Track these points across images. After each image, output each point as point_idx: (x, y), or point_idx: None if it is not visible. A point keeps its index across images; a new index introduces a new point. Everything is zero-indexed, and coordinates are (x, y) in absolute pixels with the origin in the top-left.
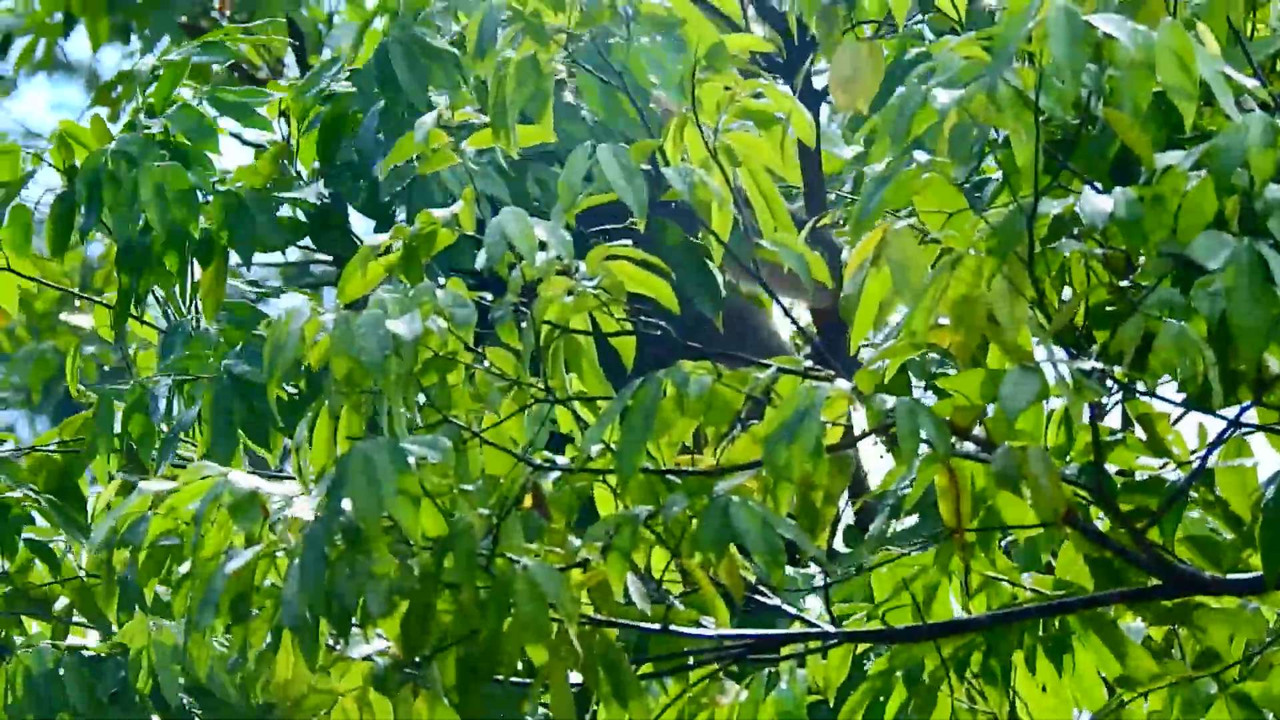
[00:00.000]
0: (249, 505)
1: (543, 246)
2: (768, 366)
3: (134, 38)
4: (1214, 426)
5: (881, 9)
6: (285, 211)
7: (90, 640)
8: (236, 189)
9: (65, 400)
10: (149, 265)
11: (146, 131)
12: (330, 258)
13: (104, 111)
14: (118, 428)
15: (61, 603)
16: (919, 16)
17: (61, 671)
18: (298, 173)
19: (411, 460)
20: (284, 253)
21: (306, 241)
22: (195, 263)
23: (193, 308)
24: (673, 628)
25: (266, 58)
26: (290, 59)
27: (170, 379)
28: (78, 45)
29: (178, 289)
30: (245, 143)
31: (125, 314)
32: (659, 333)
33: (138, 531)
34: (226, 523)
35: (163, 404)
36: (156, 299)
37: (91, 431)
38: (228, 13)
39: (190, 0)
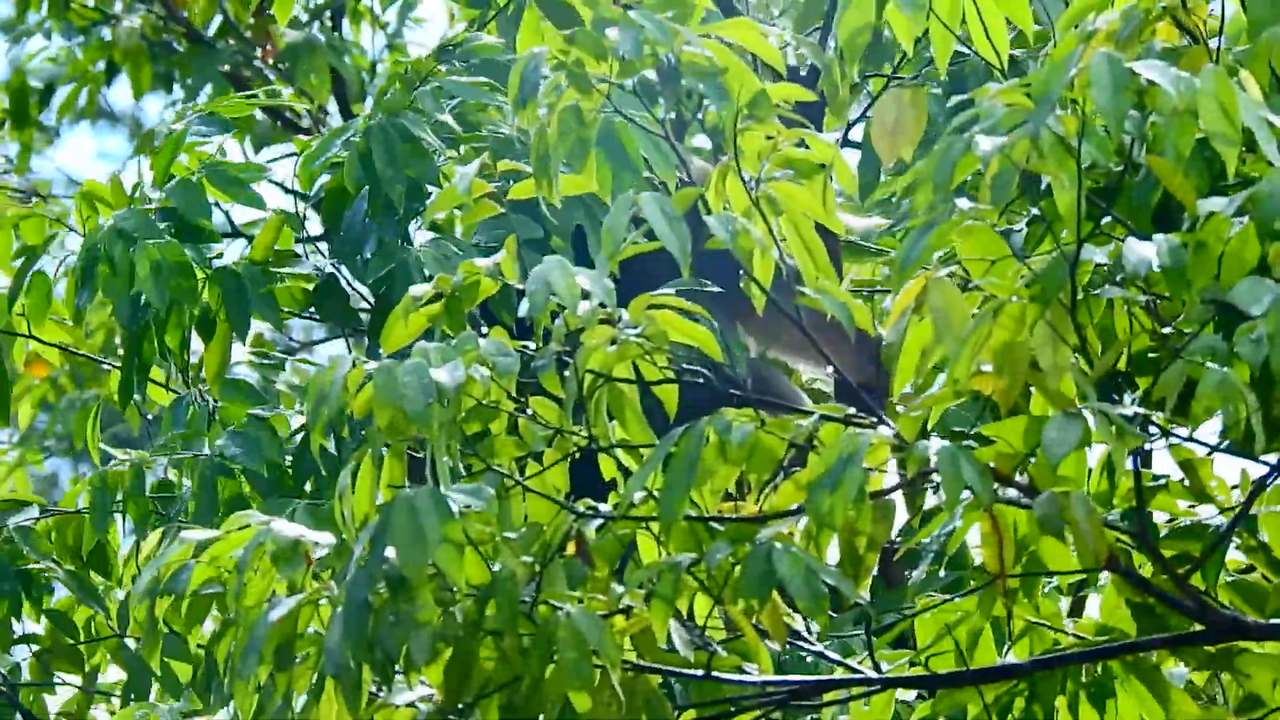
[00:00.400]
0: (292, 553)
1: (586, 295)
2: (810, 414)
3: (176, 86)
4: (1256, 471)
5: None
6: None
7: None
8: (233, 265)
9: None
10: (149, 341)
11: (145, 208)
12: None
13: (145, 161)
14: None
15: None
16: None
17: None
18: (302, 242)
19: (455, 509)
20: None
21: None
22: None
23: (196, 379)
24: (715, 674)
25: (309, 106)
26: (333, 105)
27: (166, 458)
28: (120, 94)
29: (176, 364)
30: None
31: (129, 391)
32: (700, 380)
33: (180, 580)
34: (269, 570)
35: (150, 482)
36: (174, 365)
37: (91, 512)
38: (270, 61)
39: (232, 49)
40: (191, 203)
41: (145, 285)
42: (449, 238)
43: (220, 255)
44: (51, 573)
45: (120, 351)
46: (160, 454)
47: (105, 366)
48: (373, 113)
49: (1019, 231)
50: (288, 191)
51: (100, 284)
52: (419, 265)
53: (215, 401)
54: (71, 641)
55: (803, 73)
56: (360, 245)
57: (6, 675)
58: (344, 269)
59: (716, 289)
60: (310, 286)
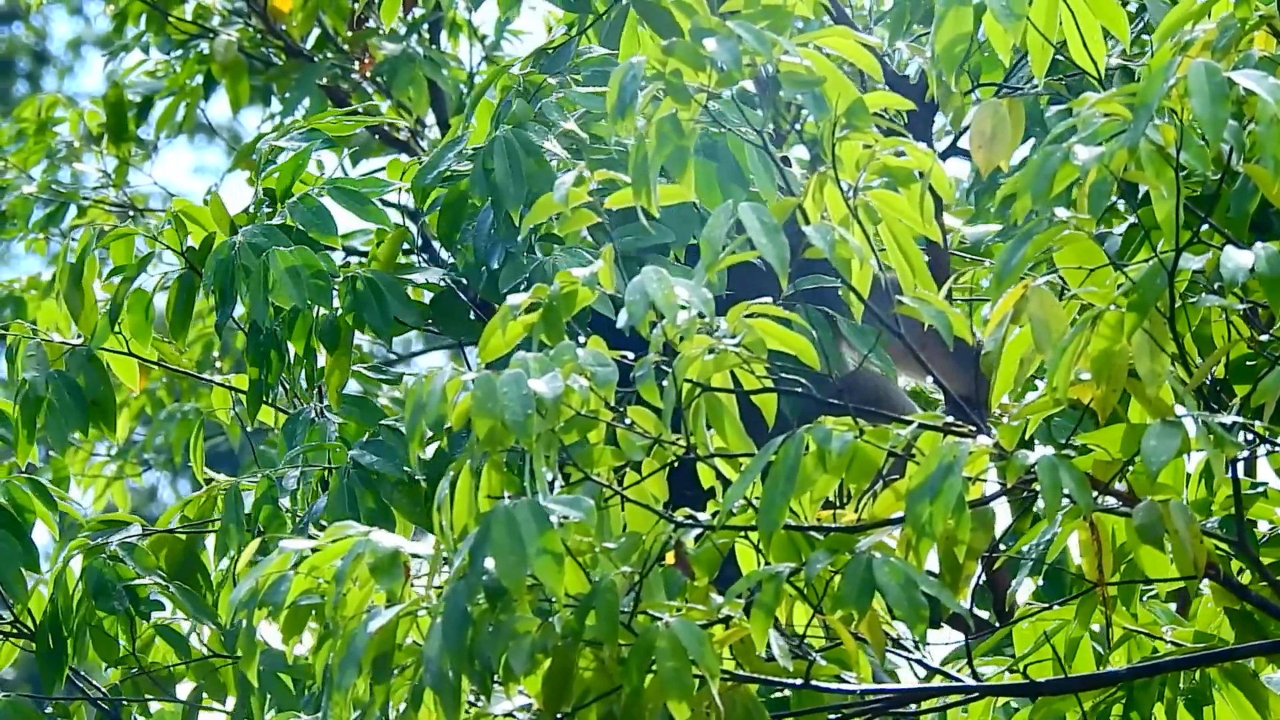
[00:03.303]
0: (391, 564)
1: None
2: (909, 423)
3: (274, 100)
4: None
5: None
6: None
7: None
8: (367, 273)
9: (208, 461)
10: (279, 352)
11: (269, 224)
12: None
13: (244, 175)
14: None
15: (185, 685)
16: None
17: None
18: (421, 254)
19: (554, 519)
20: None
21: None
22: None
23: (315, 393)
24: (814, 682)
25: (407, 119)
26: (431, 118)
27: (299, 470)
28: (218, 108)
29: (304, 374)
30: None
31: (257, 403)
32: (800, 390)
33: (279, 591)
34: (368, 582)
35: (287, 498)
36: (281, 382)
37: (222, 525)
38: (368, 74)
39: (330, 62)
40: (315, 219)
41: (281, 288)
42: (581, 246)
43: (348, 266)
44: (162, 589)
45: (220, 364)
46: (291, 466)
47: (204, 382)
48: (491, 125)
49: (1117, 234)
50: (388, 205)
51: (240, 294)
52: (555, 273)
53: (334, 418)
54: (160, 665)
55: (912, 81)
56: (486, 258)
57: (107, 693)
58: (459, 282)
59: (830, 285)
60: (426, 299)
